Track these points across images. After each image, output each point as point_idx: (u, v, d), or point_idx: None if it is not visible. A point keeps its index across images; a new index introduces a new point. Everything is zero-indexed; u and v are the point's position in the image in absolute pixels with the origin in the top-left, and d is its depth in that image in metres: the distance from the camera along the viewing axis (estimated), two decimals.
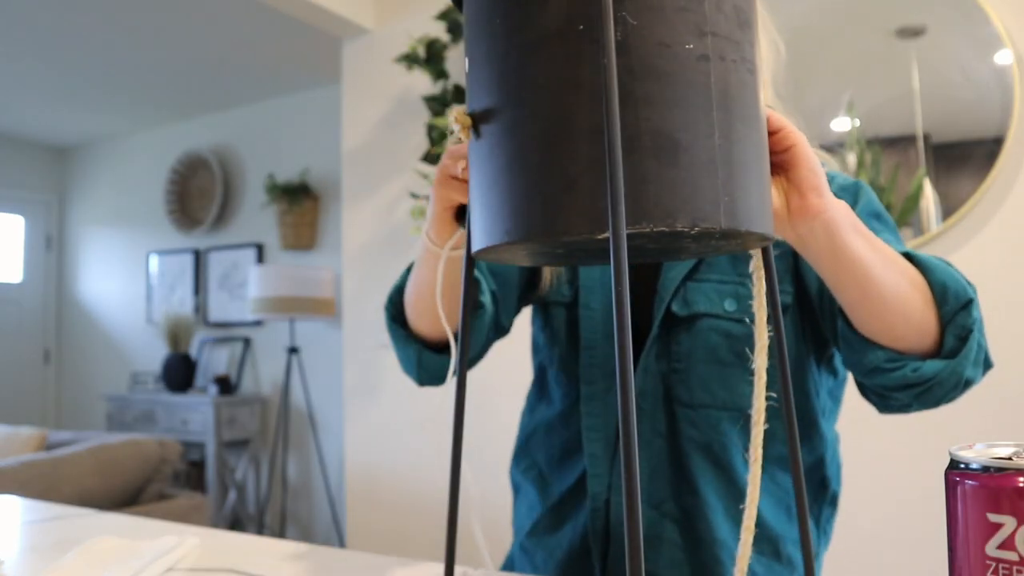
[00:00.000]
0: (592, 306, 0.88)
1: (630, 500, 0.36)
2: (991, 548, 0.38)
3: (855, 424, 1.78)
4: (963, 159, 1.73)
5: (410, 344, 0.86)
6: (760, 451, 0.48)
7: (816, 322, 0.83)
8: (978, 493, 0.39)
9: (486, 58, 0.44)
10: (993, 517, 0.38)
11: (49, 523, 0.96)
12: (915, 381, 0.69)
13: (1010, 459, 0.39)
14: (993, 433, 1.68)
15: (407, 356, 0.88)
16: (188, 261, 4.55)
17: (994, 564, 0.38)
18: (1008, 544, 0.37)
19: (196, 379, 4.27)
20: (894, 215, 1.78)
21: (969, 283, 0.71)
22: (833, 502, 0.88)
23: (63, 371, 5.20)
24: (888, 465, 1.78)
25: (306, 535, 3.99)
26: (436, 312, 0.82)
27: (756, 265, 0.54)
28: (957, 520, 0.40)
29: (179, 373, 4.09)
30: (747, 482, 0.73)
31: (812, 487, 0.86)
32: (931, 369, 0.68)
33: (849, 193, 0.82)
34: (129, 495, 2.72)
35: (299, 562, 0.75)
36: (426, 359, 0.86)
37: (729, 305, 0.82)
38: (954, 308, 0.67)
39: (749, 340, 0.81)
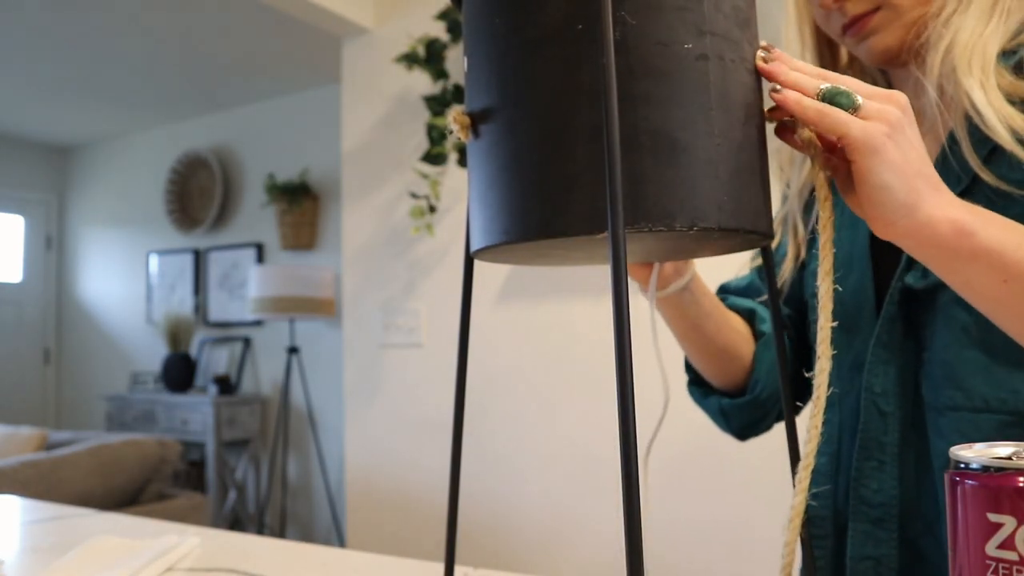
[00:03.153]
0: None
1: (629, 504, 0.36)
2: (991, 548, 0.38)
3: None
4: None
5: (708, 399, 0.80)
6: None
7: None
8: (978, 493, 0.39)
9: (485, 58, 0.44)
10: (993, 517, 0.38)
11: (49, 523, 0.96)
12: None
13: (1010, 459, 0.39)
14: None
15: (713, 413, 0.81)
16: (188, 261, 4.55)
17: (994, 564, 0.38)
18: (1008, 544, 0.37)
19: (196, 379, 4.27)
20: None
21: None
22: None
23: (63, 371, 5.20)
24: None
25: (306, 535, 3.99)
26: (708, 359, 0.77)
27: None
28: (957, 520, 0.40)
29: (179, 373, 4.09)
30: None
31: None
32: None
33: None
34: (129, 495, 2.72)
35: (299, 562, 0.75)
36: (726, 406, 0.79)
37: None
38: None
39: None
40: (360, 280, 2.64)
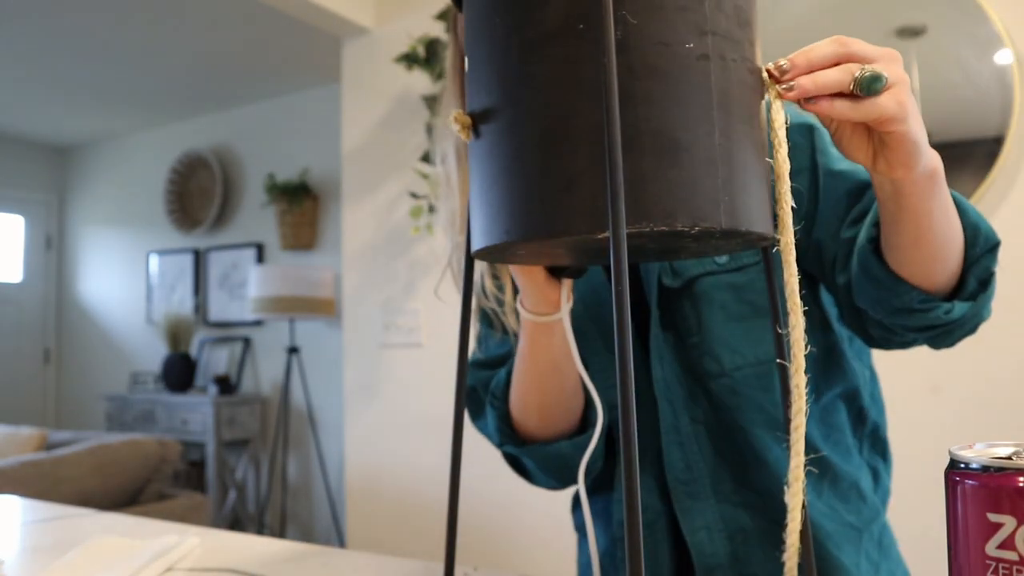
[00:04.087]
0: (584, 331, 0.80)
1: (630, 498, 0.36)
2: (991, 548, 0.38)
3: None
4: (963, 159, 1.73)
5: (530, 455, 0.80)
6: (803, 418, 0.44)
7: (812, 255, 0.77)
8: (978, 493, 0.39)
9: (486, 58, 0.44)
10: (993, 517, 0.38)
11: (49, 523, 0.96)
12: (943, 322, 0.66)
13: (1010, 459, 0.39)
14: (993, 433, 1.68)
15: (536, 471, 0.81)
16: (188, 261, 4.55)
17: (994, 564, 0.38)
18: (1008, 544, 0.37)
19: (196, 379, 4.27)
20: None
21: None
22: (876, 436, 0.85)
23: (63, 371, 5.20)
24: None
25: (306, 535, 3.98)
26: (563, 398, 0.77)
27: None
28: (957, 520, 0.40)
29: (179, 373, 4.09)
30: (809, 432, 0.71)
31: (850, 418, 0.81)
32: (959, 311, 0.66)
33: (801, 135, 0.76)
34: (129, 495, 2.72)
35: (299, 562, 0.75)
36: (552, 455, 0.79)
37: (720, 258, 0.76)
38: (983, 250, 0.66)
39: (754, 287, 0.75)
40: (360, 280, 2.64)
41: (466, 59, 0.46)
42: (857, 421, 0.83)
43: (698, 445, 0.77)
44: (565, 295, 0.69)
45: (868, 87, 0.48)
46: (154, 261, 4.74)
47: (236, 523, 4.01)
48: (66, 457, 2.57)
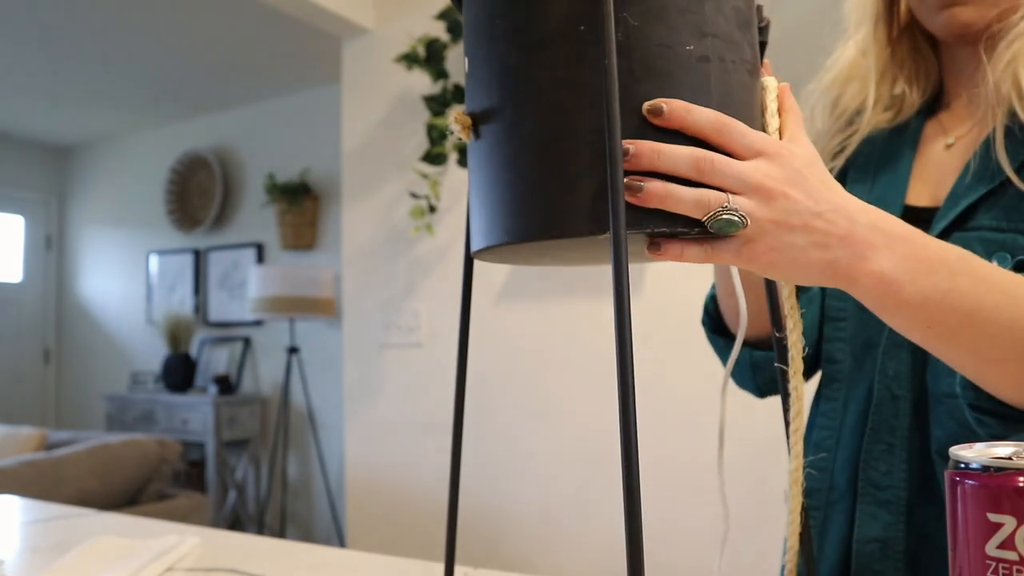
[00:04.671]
0: None
1: (629, 494, 0.36)
2: (991, 548, 0.38)
3: None
4: None
5: (731, 349, 0.72)
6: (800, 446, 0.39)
7: None
8: (978, 493, 0.39)
9: (486, 59, 0.44)
10: (993, 517, 0.38)
11: (49, 523, 0.96)
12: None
13: (1010, 459, 0.39)
14: None
15: (740, 364, 0.76)
16: (188, 261, 4.55)
17: (994, 564, 0.38)
18: (1008, 544, 0.37)
19: (196, 379, 4.27)
20: None
21: None
22: None
23: (63, 371, 5.20)
24: None
25: (306, 535, 3.99)
26: (752, 297, 0.69)
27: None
28: (957, 520, 0.40)
29: (179, 373, 4.09)
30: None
31: None
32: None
33: None
34: (129, 495, 2.72)
35: (299, 562, 0.75)
36: (758, 358, 0.73)
37: (1000, 261, 0.60)
38: None
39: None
40: (360, 280, 2.64)
41: (466, 60, 0.46)
42: None
43: (908, 455, 0.67)
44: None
45: (721, 230, 0.41)
46: (154, 261, 4.74)
47: (236, 523, 4.01)
48: (66, 457, 2.57)
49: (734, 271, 0.55)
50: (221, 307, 4.40)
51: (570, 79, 0.40)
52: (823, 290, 0.76)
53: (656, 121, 0.40)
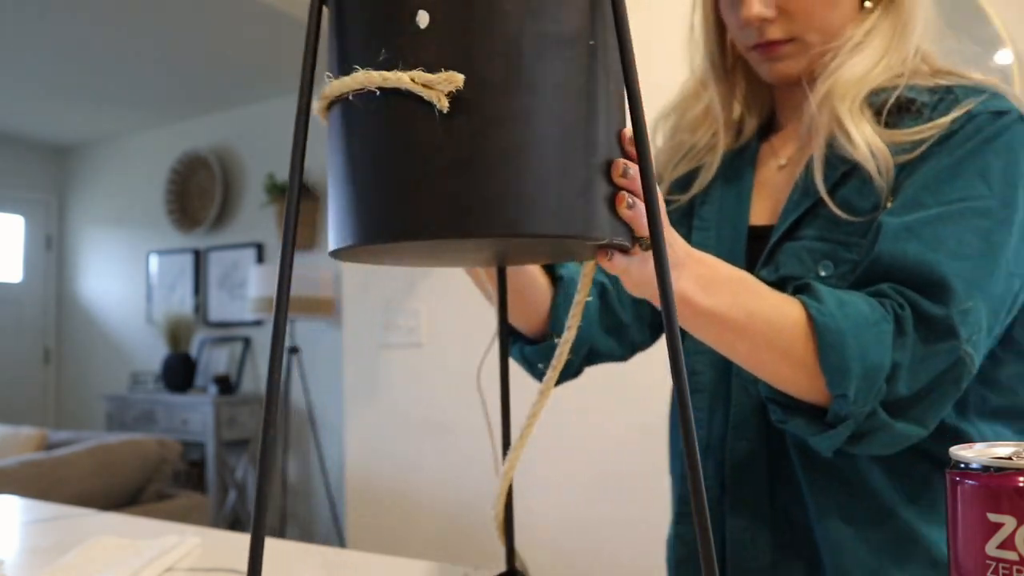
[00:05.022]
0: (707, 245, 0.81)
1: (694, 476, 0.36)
2: (991, 548, 0.38)
3: None
4: None
5: (513, 346, 0.80)
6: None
7: None
8: (978, 493, 0.39)
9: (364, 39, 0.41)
10: (993, 517, 0.38)
11: (49, 523, 0.96)
12: (785, 429, 0.66)
13: (1010, 459, 0.39)
14: None
15: (517, 360, 0.81)
16: (188, 261, 4.55)
17: (994, 564, 0.38)
18: (1008, 544, 0.37)
19: (196, 379, 4.27)
20: None
21: (868, 363, 0.59)
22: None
23: (63, 371, 5.20)
24: None
25: (306, 535, 3.99)
26: (520, 306, 0.76)
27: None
28: (957, 520, 0.40)
29: (179, 373, 4.09)
30: (873, 481, 0.68)
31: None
32: (797, 429, 0.64)
33: (979, 124, 0.66)
34: (129, 495, 2.72)
35: (299, 562, 0.75)
36: (528, 352, 0.78)
37: (824, 269, 0.70)
38: (832, 391, 0.60)
39: None
40: (360, 280, 2.64)
41: (333, 39, 0.43)
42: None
43: (768, 447, 0.74)
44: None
45: (649, 248, 0.46)
46: (154, 261, 4.74)
47: (236, 523, 4.01)
48: (66, 457, 2.57)
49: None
50: (221, 307, 4.40)
51: (406, 104, 0.38)
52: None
53: (629, 181, 0.42)
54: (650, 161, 0.40)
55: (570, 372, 0.83)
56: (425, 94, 0.36)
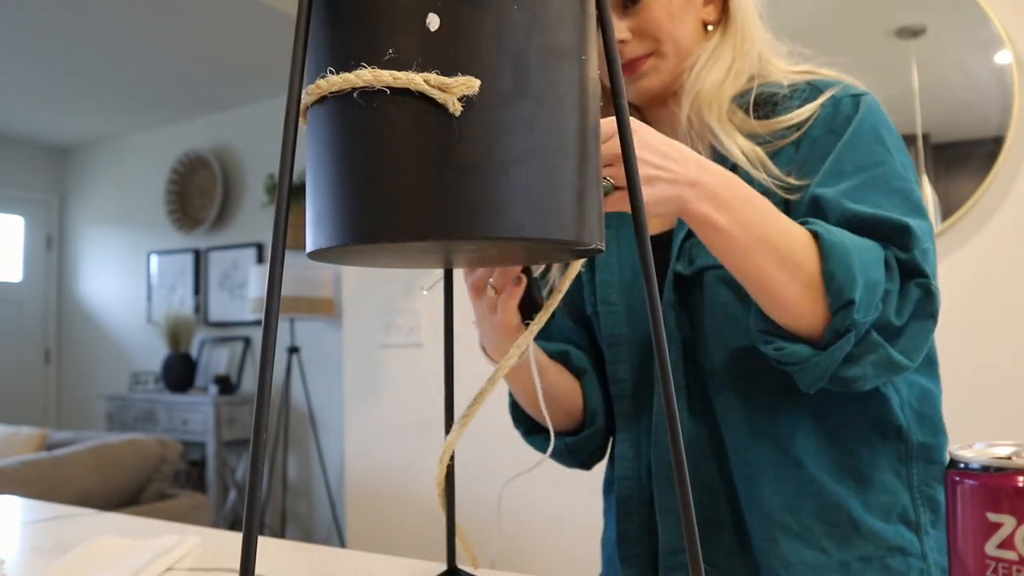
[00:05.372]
0: (612, 300, 0.87)
1: (679, 476, 0.36)
2: (991, 547, 0.38)
3: None
4: (962, 159, 1.73)
5: (549, 442, 0.83)
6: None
7: None
8: (978, 493, 0.39)
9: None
10: (993, 516, 0.38)
11: (49, 523, 0.96)
12: (779, 360, 0.68)
13: (1010, 459, 0.39)
14: (993, 433, 1.68)
15: (558, 454, 0.90)
16: (188, 261, 4.55)
17: (994, 563, 0.38)
18: (1008, 543, 0.37)
19: (196, 379, 4.27)
20: None
21: (894, 256, 0.67)
22: (925, 457, 0.79)
23: (63, 371, 5.20)
24: None
25: (306, 535, 3.99)
26: (554, 406, 0.85)
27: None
28: (957, 519, 0.40)
29: (179, 373, 4.09)
30: (797, 449, 0.75)
31: (887, 439, 0.77)
32: (792, 355, 0.67)
33: (845, 125, 0.77)
34: (129, 495, 2.72)
35: (299, 562, 0.75)
36: (571, 443, 0.88)
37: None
38: (835, 304, 0.64)
39: None
40: (360, 280, 2.64)
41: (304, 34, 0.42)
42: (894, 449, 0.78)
43: (695, 433, 0.80)
44: (520, 350, 0.69)
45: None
46: (154, 261, 4.74)
47: (236, 523, 4.01)
48: (66, 457, 2.57)
49: (533, 367, 0.71)
50: (221, 307, 4.40)
51: (404, 105, 0.38)
52: (596, 324, 0.89)
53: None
54: (634, 162, 0.40)
55: (603, 452, 0.93)
56: (439, 97, 0.36)
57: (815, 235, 0.66)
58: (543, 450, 0.87)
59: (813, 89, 0.81)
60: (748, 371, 0.76)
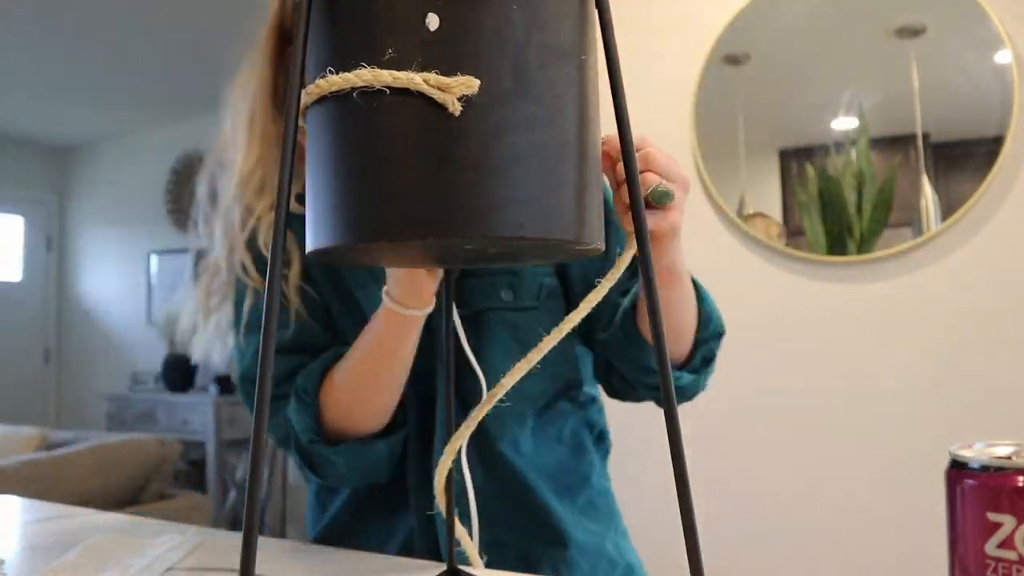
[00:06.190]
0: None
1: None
2: (991, 547, 0.38)
3: (856, 428, 1.78)
4: (963, 159, 1.73)
5: (345, 455, 0.77)
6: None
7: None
8: (978, 492, 0.39)
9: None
10: (993, 516, 0.38)
11: (49, 523, 0.96)
12: (678, 387, 0.78)
13: (1010, 459, 0.39)
14: (993, 433, 1.68)
15: (347, 470, 0.78)
16: (188, 261, 4.55)
17: (994, 563, 0.38)
18: (1008, 543, 0.37)
19: (196, 379, 4.27)
20: (893, 215, 1.77)
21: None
22: (603, 438, 0.98)
23: (63, 371, 5.20)
24: (887, 465, 1.78)
25: (306, 535, 3.98)
26: (386, 402, 0.76)
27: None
28: (957, 519, 0.40)
29: (179, 373, 4.09)
30: (513, 467, 0.83)
31: (594, 441, 0.94)
32: (684, 380, 0.78)
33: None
34: (129, 495, 2.72)
35: (299, 562, 0.75)
36: (369, 455, 0.78)
37: (505, 295, 0.83)
38: (711, 335, 0.78)
39: (530, 325, 0.83)
40: None
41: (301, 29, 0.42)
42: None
43: (470, 461, 0.82)
44: (437, 289, 0.69)
45: (658, 200, 0.57)
46: (154, 261, 4.74)
47: (236, 523, 4.01)
48: (66, 457, 2.57)
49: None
50: None
51: (406, 108, 0.38)
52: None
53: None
54: (634, 159, 0.40)
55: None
56: (439, 96, 0.36)
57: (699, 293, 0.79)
58: (328, 466, 0.79)
59: None
60: (518, 405, 0.81)
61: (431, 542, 0.84)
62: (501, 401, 0.60)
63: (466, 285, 0.82)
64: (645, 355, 0.79)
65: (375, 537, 0.87)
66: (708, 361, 0.80)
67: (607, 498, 0.94)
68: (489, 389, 0.75)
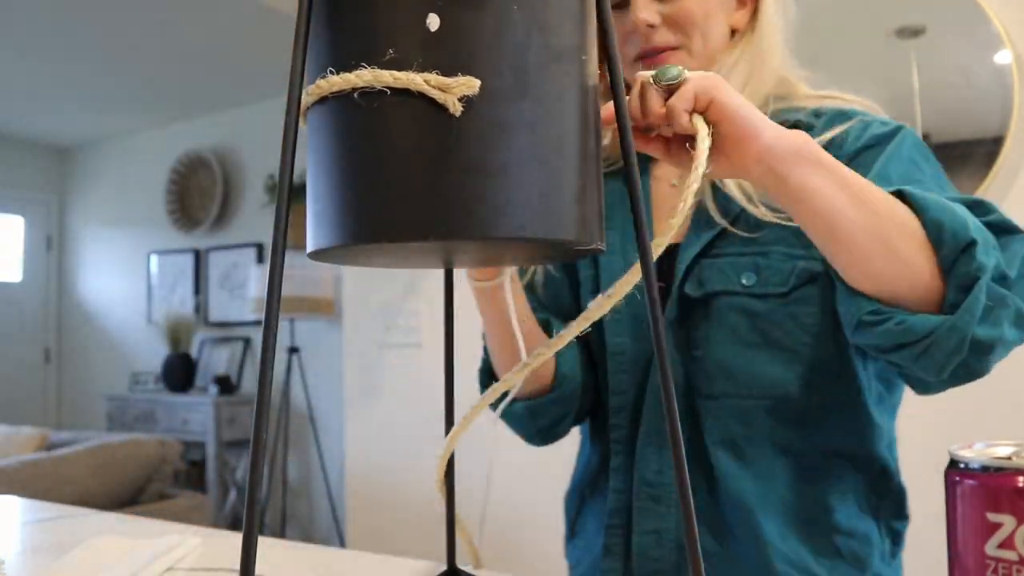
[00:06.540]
0: (617, 308, 0.81)
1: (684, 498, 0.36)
2: (991, 548, 0.38)
3: None
4: (962, 159, 1.73)
5: (512, 404, 0.82)
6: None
7: None
8: (977, 493, 0.39)
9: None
10: (992, 517, 0.38)
11: (49, 523, 0.96)
12: (905, 340, 0.58)
13: (1009, 459, 0.39)
14: (993, 433, 1.68)
15: (518, 416, 0.85)
16: (188, 261, 4.55)
17: (994, 564, 0.38)
18: (1008, 543, 0.37)
19: (196, 379, 4.27)
20: None
21: (981, 221, 0.59)
22: (899, 502, 0.80)
23: (63, 371, 5.20)
24: None
25: (306, 535, 3.99)
26: (501, 357, 0.81)
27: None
28: (957, 520, 0.40)
29: (179, 373, 4.09)
30: (779, 477, 0.75)
31: (872, 479, 0.78)
32: (921, 325, 0.57)
33: (885, 141, 0.74)
34: (129, 495, 2.72)
35: (299, 562, 0.75)
36: (532, 405, 0.83)
37: (747, 279, 0.74)
38: (952, 252, 0.56)
39: (774, 316, 0.73)
40: (360, 280, 2.64)
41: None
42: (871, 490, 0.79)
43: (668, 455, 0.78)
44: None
45: (660, 78, 0.53)
46: (154, 261, 4.74)
47: (236, 523, 4.01)
48: (66, 457, 2.57)
49: (514, 320, 0.70)
50: (221, 307, 4.40)
51: (405, 108, 0.38)
52: (599, 329, 0.84)
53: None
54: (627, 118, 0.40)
55: (564, 430, 0.89)
56: (439, 97, 0.36)
57: (897, 193, 0.59)
58: (510, 420, 0.86)
59: (840, 114, 0.77)
60: (745, 402, 0.75)
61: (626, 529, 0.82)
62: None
63: (707, 264, 0.76)
64: (849, 303, 0.63)
65: (593, 513, 0.90)
66: (967, 288, 0.56)
67: None
68: (706, 383, 0.76)
